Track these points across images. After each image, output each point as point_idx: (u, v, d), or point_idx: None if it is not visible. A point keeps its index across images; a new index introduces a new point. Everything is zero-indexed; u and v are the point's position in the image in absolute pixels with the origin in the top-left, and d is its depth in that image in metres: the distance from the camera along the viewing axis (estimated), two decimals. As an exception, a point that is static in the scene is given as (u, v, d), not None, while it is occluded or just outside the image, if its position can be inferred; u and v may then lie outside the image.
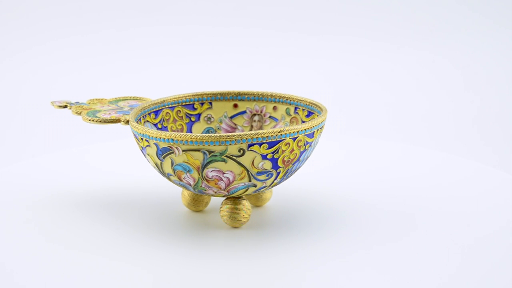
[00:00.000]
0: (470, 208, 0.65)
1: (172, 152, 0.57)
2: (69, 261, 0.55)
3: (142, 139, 0.59)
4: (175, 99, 0.67)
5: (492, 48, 1.44)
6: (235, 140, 0.55)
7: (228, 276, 0.53)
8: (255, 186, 0.58)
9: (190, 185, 0.58)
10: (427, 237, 0.59)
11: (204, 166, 0.57)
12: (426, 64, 1.43)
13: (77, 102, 0.68)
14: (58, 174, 0.73)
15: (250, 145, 0.56)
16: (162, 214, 0.64)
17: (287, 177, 0.60)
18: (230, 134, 0.55)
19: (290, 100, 0.66)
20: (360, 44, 1.46)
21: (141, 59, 1.43)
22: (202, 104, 0.68)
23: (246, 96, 0.67)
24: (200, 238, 0.59)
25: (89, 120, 0.63)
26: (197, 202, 0.64)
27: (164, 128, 0.66)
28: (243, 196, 0.60)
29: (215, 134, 0.56)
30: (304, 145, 0.58)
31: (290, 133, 0.56)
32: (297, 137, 0.57)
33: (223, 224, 0.61)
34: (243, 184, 0.58)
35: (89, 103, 0.68)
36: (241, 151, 0.56)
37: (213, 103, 0.68)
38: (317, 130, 0.59)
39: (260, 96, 0.67)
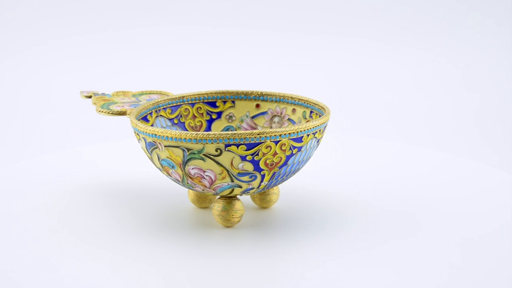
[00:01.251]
0: (470, 208, 0.65)
1: (157, 147, 0.57)
2: (72, 257, 0.55)
3: (135, 132, 0.59)
4: (196, 96, 0.67)
5: (492, 48, 1.44)
6: (211, 139, 0.55)
7: (229, 275, 0.53)
8: (240, 187, 0.58)
9: (179, 180, 0.58)
10: (428, 237, 0.59)
11: (185, 163, 0.57)
12: (426, 64, 1.43)
13: (103, 93, 0.68)
14: (58, 174, 0.73)
15: (227, 145, 0.55)
16: (167, 209, 0.64)
17: (279, 180, 0.59)
18: (206, 132, 0.55)
19: (307, 103, 0.64)
20: (360, 44, 1.46)
21: (139, 59, 1.43)
22: (225, 102, 0.67)
23: (269, 97, 0.66)
24: (201, 236, 0.59)
25: (100, 111, 0.64)
26: (200, 199, 0.64)
27: (181, 124, 0.66)
28: (237, 197, 0.60)
29: (193, 132, 0.55)
30: (291, 149, 0.57)
31: (271, 136, 0.55)
32: (279, 141, 0.56)
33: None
34: (227, 184, 0.57)
35: (113, 95, 0.68)
36: (218, 150, 0.55)
37: (236, 102, 0.67)
38: (307, 135, 0.57)
39: (282, 97, 0.66)
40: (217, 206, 0.60)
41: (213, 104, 0.67)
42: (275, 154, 0.56)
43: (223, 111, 0.67)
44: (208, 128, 0.67)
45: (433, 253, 0.56)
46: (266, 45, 1.46)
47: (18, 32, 1.44)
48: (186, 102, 0.67)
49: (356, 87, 1.40)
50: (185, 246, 0.57)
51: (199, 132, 0.55)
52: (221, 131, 0.67)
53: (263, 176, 0.57)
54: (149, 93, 0.69)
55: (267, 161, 0.56)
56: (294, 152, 0.57)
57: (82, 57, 1.42)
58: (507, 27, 1.45)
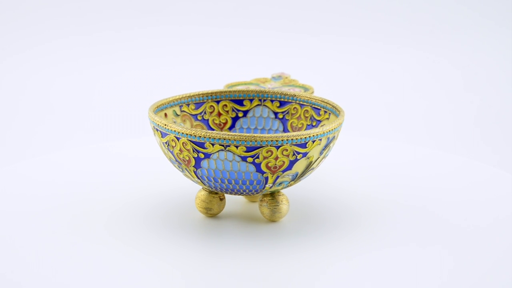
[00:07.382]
0: (470, 207, 0.65)
1: None
2: (74, 255, 0.55)
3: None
4: (308, 98, 0.65)
5: (492, 48, 1.44)
6: (152, 120, 0.58)
7: (242, 274, 0.53)
8: (183, 172, 0.59)
9: None
10: (430, 237, 0.59)
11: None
12: (426, 64, 1.43)
13: (279, 78, 0.72)
14: (59, 174, 0.73)
15: (155, 128, 0.58)
16: (175, 206, 0.64)
17: (233, 186, 0.57)
18: (152, 114, 0.58)
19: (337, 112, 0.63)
20: (360, 45, 1.46)
21: (139, 59, 1.43)
22: (326, 112, 0.64)
23: (338, 112, 0.62)
24: (211, 235, 0.59)
25: (225, 88, 0.68)
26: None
27: (285, 121, 0.66)
28: (219, 195, 0.60)
29: (153, 114, 0.58)
30: (195, 151, 0.56)
31: (175, 131, 0.56)
32: (180, 138, 0.56)
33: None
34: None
35: (283, 80, 0.71)
36: (155, 130, 0.58)
37: (331, 115, 0.63)
38: (212, 144, 0.55)
39: (338, 112, 0.62)
40: (200, 191, 0.61)
41: (317, 111, 0.65)
42: (181, 151, 0.56)
43: (321, 120, 0.65)
44: None
45: (436, 253, 0.56)
46: (264, 45, 1.46)
47: (18, 33, 1.44)
48: (296, 102, 0.66)
49: (356, 87, 1.40)
50: (191, 243, 0.57)
51: (152, 114, 0.58)
52: None
53: (187, 171, 0.58)
54: (298, 86, 0.70)
55: (178, 155, 0.57)
56: (200, 156, 0.56)
57: (82, 57, 1.43)
58: (507, 27, 1.45)
